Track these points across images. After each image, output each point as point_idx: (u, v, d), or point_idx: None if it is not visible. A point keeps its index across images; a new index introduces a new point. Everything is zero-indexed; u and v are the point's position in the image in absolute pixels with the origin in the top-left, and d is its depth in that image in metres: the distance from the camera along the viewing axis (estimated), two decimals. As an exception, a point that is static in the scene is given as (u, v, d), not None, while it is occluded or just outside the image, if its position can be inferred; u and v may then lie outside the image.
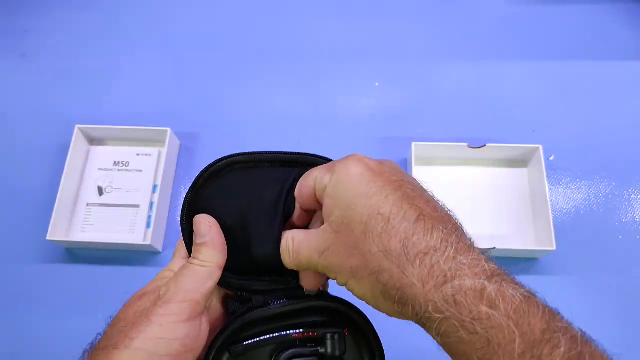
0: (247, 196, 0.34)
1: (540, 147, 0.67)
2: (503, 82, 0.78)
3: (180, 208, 0.71)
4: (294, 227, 0.34)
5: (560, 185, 0.71)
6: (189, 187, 0.34)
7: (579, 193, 0.71)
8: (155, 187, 0.70)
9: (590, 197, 0.70)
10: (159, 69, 0.81)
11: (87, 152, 0.73)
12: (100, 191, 0.70)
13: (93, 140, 0.74)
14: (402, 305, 0.26)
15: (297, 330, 0.34)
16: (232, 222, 0.34)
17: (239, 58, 0.82)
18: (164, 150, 0.69)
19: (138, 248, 0.66)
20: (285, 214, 0.33)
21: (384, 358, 0.35)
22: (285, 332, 0.34)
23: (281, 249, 0.32)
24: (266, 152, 0.34)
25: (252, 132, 0.75)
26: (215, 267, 0.31)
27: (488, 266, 0.25)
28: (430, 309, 0.25)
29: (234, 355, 0.34)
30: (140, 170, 0.71)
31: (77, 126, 0.70)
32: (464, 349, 0.24)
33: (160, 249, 0.67)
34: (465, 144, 0.68)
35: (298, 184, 0.32)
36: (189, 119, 0.76)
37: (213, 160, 0.34)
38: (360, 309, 0.35)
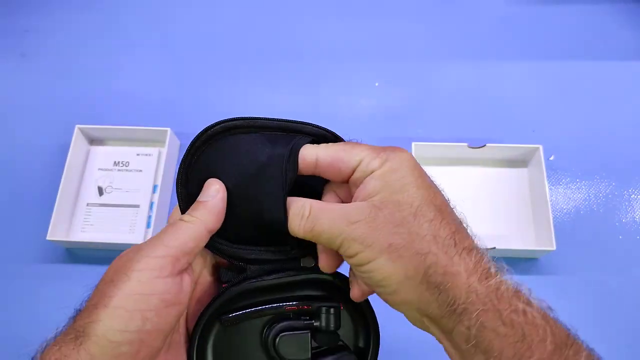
0: (247, 160, 0.32)
1: (540, 147, 0.67)
2: (503, 82, 0.78)
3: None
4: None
5: (560, 185, 0.71)
6: (187, 149, 0.32)
7: (579, 193, 0.71)
8: (155, 187, 0.70)
9: (590, 197, 0.70)
10: (159, 69, 0.81)
11: (87, 152, 0.73)
12: (100, 191, 0.70)
13: (93, 140, 0.74)
14: (439, 292, 0.27)
15: (292, 303, 0.34)
16: (231, 186, 0.32)
17: (239, 58, 0.82)
18: (164, 150, 0.69)
19: (138, 248, 0.66)
20: (289, 180, 0.31)
21: (378, 333, 0.35)
22: (279, 304, 0.33)
23: (292, 213, 0.31)
24: (266, 118, 0.33)
25: (252, 132, 0.75)
26: (203, 228, 0.30)
27: (511, 277, 0.28)
28: (473, 298, 0.25)
29: (225, 325, 0.33)
30: (140, 170, 0.71)
31: (77, 126, 0.70)
32: (499, 342, 0.25)
33: (160, 249, 0.67)
34: (465, 144, 0.68)
35: (330, 161, 0.31)
36: (189, 119, 0.76)
37: (209, 124, 0.32)
38: None
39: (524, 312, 0.25)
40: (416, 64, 0.80)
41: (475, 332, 0.25)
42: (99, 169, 0.72)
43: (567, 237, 0.67)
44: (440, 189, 0.30)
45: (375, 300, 0.33)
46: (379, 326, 0.35)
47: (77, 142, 0.70)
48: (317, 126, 0.34)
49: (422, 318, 0.28)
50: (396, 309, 0.29)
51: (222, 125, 0.32)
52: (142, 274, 0.27)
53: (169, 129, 0.70)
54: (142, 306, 0.26)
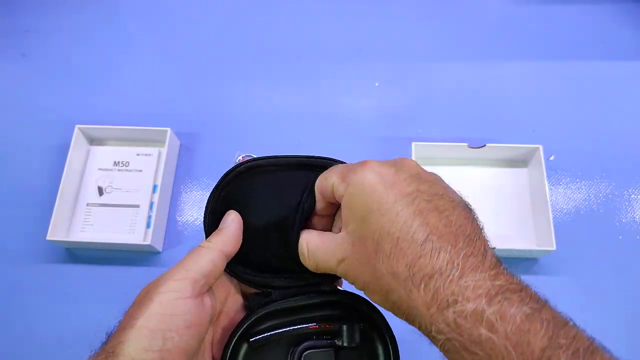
0: (269, 198, 0.35)
1: (540, 147, 0.67)
2: (503, 82, 0.78)
3: (180, 208, 0.71)
4: (311, 226, 0.35)
5: (560, 185, 0.71)
6: (214, 186, 0.35)
7: (579, 193, 0.71)
8: (155, 187, 0.70)
9: (590, 197, 0.70)
10: (159, 69, 0.81)
11: (87, 152, 0.73)
12: (100, 191, 0.70)
13: (93, 140, 0.74)
14: (410, 322, 0.28)
15: (314, 323, 0.35)
16: (256, 222, 0.36)
17: (239, 58, 0.82)
18: (164, 150, 0.69)
19: (138, 248, 0.66)
20: (305, 214, 0.34)
21: (397, 348, 0.36)
22: (303, 325, 0.35)
23: (299, 251, 0.34)
24: (289, 156, 0.36)
25: (252, 132, 0.75)
26: (219, 251, 0.32)
27: (494, 284, 0.25)
28: (433, 331, 0.26)
29: (252, 347, 0.35)
30: (140, 170, 0.71)
31: (77, 126, 0.70)
32: None
33: (160, 249, 0.67)
34: (465, 144, 0.68)
35: (316, 184, 0.33)
36: (189, 119, 0.76)
37: (236, 163, 0.36)
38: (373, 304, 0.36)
39: (487, 339, 0.24)
40: (416, 64, 0.80)
41: (447, 356, 0.26)
42: (99, 169, 0.72)
43: (567, 237, 0.67)
44: (415, 195, 0.28)
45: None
46: (397, 343, 0.36)
47: (77, 142, 0.70)
48: (333, 159, 0.36)
49: None
50: None
51: (248, 164, 0.36)
52: (164, 296, 0.29)
53: (169, 129, 0.70)
54: (164, 326, 0.28)
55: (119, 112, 0.77)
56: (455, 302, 0.25)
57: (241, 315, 0.37)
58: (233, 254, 0.34)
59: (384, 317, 0.36)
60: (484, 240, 0.29)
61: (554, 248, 0.61)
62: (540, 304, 0.26)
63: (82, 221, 0.69)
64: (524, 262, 0.66)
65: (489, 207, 0.69)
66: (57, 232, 0.65)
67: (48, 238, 0.64)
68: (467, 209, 0.31)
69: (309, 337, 0.35)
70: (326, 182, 0.32)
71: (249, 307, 0.37)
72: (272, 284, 0.36)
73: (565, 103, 0.77)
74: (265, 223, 0.35)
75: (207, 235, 0.35)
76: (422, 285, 0.26)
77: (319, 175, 0.35)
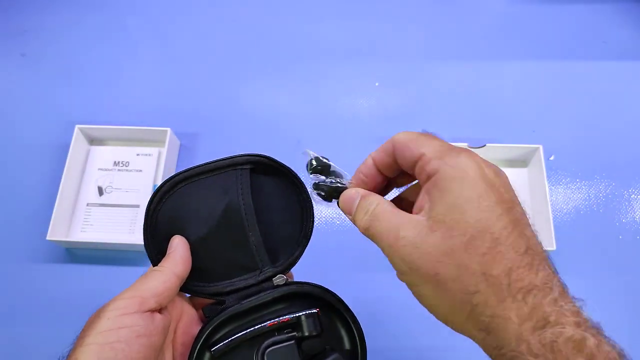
0: (202, 207, 0.37)
1: (540, 147, 0.67)
2: (503, 82, 0.78)
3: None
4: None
5: (560, 185, 0.71)
6: (144, 212, 0.36)
7: (579, 193, 0.71)
8: (155, 187, 0.70)
9: (590, 197, 0.70)
10: (159, 69, 0.81)
11: (87, 152, 0.73)
12: (100, 191, 0.70)
13: (93, 140, 0.74)
14: (486, 333, 0.24)
15: (272, 320, 0.36)
16: (196, 234, 0.37)
17: (239, 58, 0.82)
18: (164, 150, 0.69)
19: (138, 248, 0.66)
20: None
21: (362, 333, 0.36)
22: (261, 324, 0.36)
23: (359, 206, 0.31)
24: (201, 165, 0.37)
25: (252, 132, 0.75)
26: (171, 273, 0.34)
27: (583, 314, 0.25)
28: (523, 349, 0.23)
29: (215, 355, 0.35)
30: (140, 170, 0.71)
31: (77, 126, 0.70)
32: None
33: (160, 249, 0.67)
34: (465, 144, 0.68)
35: (396, 145, 0.30)
36: (189, 119, 0.76)
37: (161, 182, 0.37)
38: (330, 289, 0.37)
39: None
40: (416, 64, 0.80)
41: None
42: (99, 169, 0.72)
43: (567, 237, 0.67)
44: (512, 205, 0.27)
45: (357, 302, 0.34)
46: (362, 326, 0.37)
47: (77, 142, 0.70)
48: (248, 154, 0.37)
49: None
50: None
51: (169, 182, 0.36)
52: (111, 313, 0.30)
53: (169, 129, 0.70)
54: (111, 339, 0.29)
55: (119, 112, 0.77)
56: (555, 323, 0.23)
57: (200, 324, 0.38)
58: (185, 275, 0.35)
59: (341, 299, 0.37)
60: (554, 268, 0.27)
61: (554, 248, 0.61)
62: (624, 352, 0.26)
63: (82, 221, 0.69)
64: (524, 262, 0.66)
65: (489, 207, 0.69)
66: (57, 232, 0.65)
67: (48, 238, 0.64)
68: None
69: (272, 335, 0.36)
70: (415, 147, 0.28)
71: (205, 317, 0.37)
72: (224, 290, 0.37)
73: (565, 103, 0.77)
74: (207, 232, 0.36)
75: (153, 263, 0.36)
76: (520, 296, 0.24)
77: (243, 172, 0.36)
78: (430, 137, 0.30)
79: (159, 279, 0.33)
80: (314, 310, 0.36)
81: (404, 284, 0.28)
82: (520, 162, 0.71)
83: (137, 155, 0.72)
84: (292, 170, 0.39)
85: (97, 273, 0.67)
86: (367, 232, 0.29)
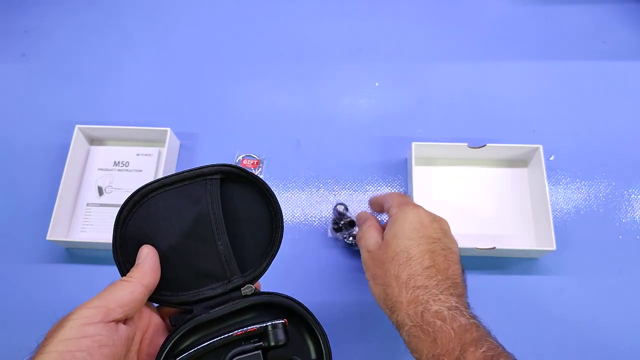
0: (173, 216, 0.37)
1: (540, 147, 0.67)
2: (503, 82, 0.78)
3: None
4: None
5: (560, 185, 0.71)
6: (114, 223, 0.36)
7: (579, 193, 0.71)
8: (155, 187, 0.70)
9: (590, 197, 0.70)
10: (159, 69, 0.81)
11: (87, 152, 0.73)
12: (100, 191, 0.70)
13: (93, 140, 0.74)
14: (391, 312, 0.42)
15: (239, 330, 0.36)
16: (166, 244, 0.37)
17: (239, 58, 0.82)
18: (164, 150, 0.69)
19: (138, 248, 0.66)
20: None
21: (328, 343, 0.37)
22: (227, 334, 0.36)
23: (365, 226, 0.50)
24: (171, 175, 0.38)
25: (252, 132, 0.75)
26: (138, 283, 0.34)
27: (455, 304, 0.39)
28: (405, 319, 0.40)
29: None
30: (140, 170, 0.71)
31: (77, 126, 0.70)
32: (421, 344, 0.38)
33: (160, 249, 0.67)
34: (465, 144, 0.68)
35: (385, 198, 0.53)
36: (189, 119, 0.76)
37: (133, 191, 0.37)
38: (297, 299, 0.37)
39: (440, 326, 0.37)
40: (416, 64, 0.80)
41: (408, 339, 0.40)
42: (99, 169, 0.72)
43: (567, 237, 0.67)
44: (434, 241, 0.44)
45: (326, 309, 0.37)
46: (327, 335, 0.37)
47: (77, 142, 0.70)
48: (218, 164, 0.38)
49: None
50: None
51: (140, 193, 0.36)
52: (74, 322, 0.31)
53: (169, 129, 0.70)
54: (72, 347, 0.29)
55: (119, 112, 0.77)
56: (426, 303, 0.39)
57: (166, 333, 0.37)
58: (154, 286, 0.35)
59: (308, 310, 0.37)
60: (464, 289, 0.43)
61: (554, 248, 0.61)
62: (481, 325, 0.39)
63: (82, 221, 0.69)
64: (524, 262, 0.66)
65: (489, 207, 0.69)
66: (57, 232, 0.65)
67: (48, 238, 0.64)
68: (463, 270, 0.45)
69: (238, 344, 0.36)
70: (390, 200, 0.50)
71: (172, 326, 0.37)
72: (192, 300, 0.37)
73: (565, 103, 0.77)
74: (176, 241, 0.36)
75: (121, 273, 0.37)
76: (411, 291, 0.41)
77: (213, 182, 0.37)
78: (400, 195, 0.52)
79: (126, 289, 0.34)
80: (281, 321, 0.36)
81: (367, 291, 0.47)
82: (520, 162, 0.71)
83: (137, 155, 0.72)
84: (262, 180, 0.39)
85: (97, 273, 0.67)
86: (358, 243, 0.51)
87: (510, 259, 0.66)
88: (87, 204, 0.70)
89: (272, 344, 0.35)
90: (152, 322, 0.38)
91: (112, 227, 0.67)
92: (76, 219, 0.69)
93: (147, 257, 0.36)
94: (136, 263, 0.36)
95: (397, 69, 0.80)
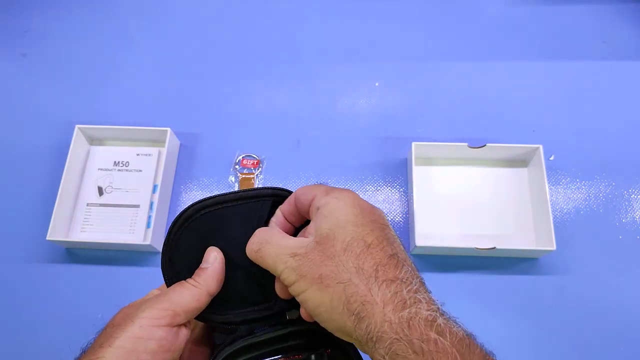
0: (221, 236, 0.37)
1: (540, 147, 0.67)
2: (503, 82, 0.78)
3: (180, 208, 0.71)
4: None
5: (560, 185, 0.71)
6: (165, 235, 0.36)
7: (579, 193, 0.71)
8: (155, 187, 0.70)
9: (590, 197, 0.70)
10: (159, 69, 0.81)
11: (87, 152, 0.73)
12: (100, 191, 0.70)
13: (93, 140, 0.74)
14: (358, 320, 0.29)
15: (281, 355, 0.36)
16: None
17: (239, 58, 0.82)
18: (164, 150, 0.69)
19: (138, 248, 0.66)
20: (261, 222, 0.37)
21: None
22: (270, 358, 0.36)
23: (253, 236, 0.35)
24: (228, 193, 0.37)
25: (252, 132, 0.75)
26: (204, 291, 0.34)
27: (439, 306, 0.29)
28: (385, 328, 0.27)
29: None
30: (140, 170, 0.71)
31: (77, 126, 0.70)
32: None
33: (160, 249, 0.67)
34: (465, 144, 0.68)
35: (296, 195, 0.36)
36: (189, 119, 0.76)
37: (184, 207, 0.36)
38: None
39: (435, 342, 0.27)
40: (416, 64, 0.80)
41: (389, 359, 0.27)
42: (99, 169, 0.72)
43: (567, 237, 0.67)
44: (383, 227, 0.33)
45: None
46: None
47: (77, 142, 0.70)
48: (272, 188, 0.38)
49: (354, 343, 0.31)
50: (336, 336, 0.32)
51: (193, 208, 0.36)
52: (144, 321, 0.31)
53: (169, 129, 0.70)
54: (140, 348, 0.30)
55: (119, 112, 0.77)
56: (411, 305, 0.28)
57: (209, 352, 0.38)
58: (216, 293, 0.35)
59: (350, 342, 0.36)
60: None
61: (554, 248, 0.61)
62: (472, 335, 0.29)
63: (82, 221, 0.69)
64: (524, 262, 0.66)
65: (489, 207, 0.69)
66: (57, 232, 0.65)
67: (48, 238, 0.64)
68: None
69: None
70: (309, 192, 0.35)
71: (215, 345, 0.37)
72: (236, 320, 0.37)
73: (565, 103, 0.77)
74: (225, 260, 0.36)
75: (167, 283, 0.36)
76: (384, 285, 0.29)
77: (265, 204, 0.37)
78: (320, 185, 0.36)
79: (193, 295, 0.33)
80: (324, 350, 0.36)
81: None
82: (520, 162, 0.71)
83: (137, 155, 0.72)
84: None
85: (97, 273, 0.67)
86: (257, 254, 0.34)
87: (510, 259, 0.66)
88: (87, 204, 0.70)
89: None
90: (199, 325, 0.39)
91: (112, 227, 0.68)
92: (76, 219, 0.69)
93: (216, 263, 0.35)
94: (202, 267, 0.35)
95: (397, 69, 0.80)
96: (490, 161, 0.71)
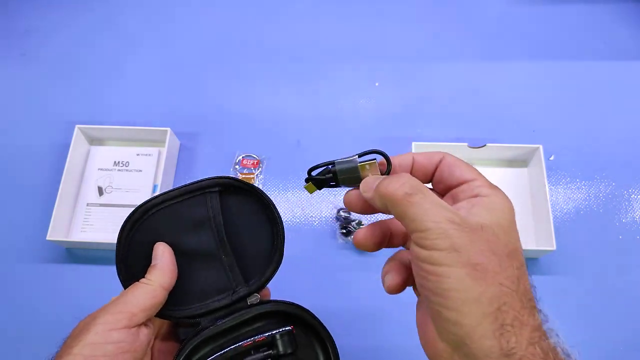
0: (173, 232, 0.37)
1: (540, 147, 0.67)
2: (503, 82, 0.78)
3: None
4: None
5: (560, 185, 0.71)
6: (117, 238, 0.37)
7: (579, 193, 0.71)
8: (155, 187, 0.70)
9: (590, 197, 0.70)
10: (159, 69, 0.81)
11: (87, 152, 0.73)
12: (100, 191, 0.70)
13: (93, 140, 0.74)
14: (502, 331, 0.26)
15: (247, 340, 0.36)
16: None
17: (239, 58, 0.82)
18: (164, 150, 0.69)
19: (138, 248, 0.66)
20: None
21: (335, 347, 0.37)
22: (236, 344, 0.36)
23: (398, 175, 0.31)
24: (172, 189, 0.37)
25: (252, 132, 0.75)
26: (158, 286, 0.34)
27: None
28: (531, 352, 0.25)
29: None
30: (140, 170, 0.71)
31: (77, 126, 0.70)
32: None
33: (160, 249, 0.67)
34: (465, 144, 0.68)
35: (449, 162, 0.34)
36: (189, 119, 0.76)
37: (132, 209, 0.37)
38: (303, 303, 0.38)
39: None
40: (416, 64, 0.80)
41: None
42: (99, 169, 0.72)
43: (567, 237, 0.67)
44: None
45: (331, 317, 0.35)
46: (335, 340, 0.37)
47: (77, 142, 0.70)
48: (216, 177, 0.38)
49: (454, 354, 0.27)
50: (421, 335, 0.29)
51: (140, 210, 0.37)
52: (99, 327, 0.32)
53: (169, 129, 0.70)
54: (98, 352, 0.31)
55: (119, 112, 0.77)
56: (551, 337, 0.27)
57: (174, 348, 0.38)
58: (172, 286, 0.36)
59: (316, 318, 0.37)
60: None
61: (554, 248, 0.61)
62: None
63: (82, 221, 0.69)
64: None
65: (489, 207, 0.69)
66: (57, 232, 0.65)
67: (48, 238, 0.64)
68: None
69: (248, 354, 0.36)
70: (466, 169, 0.33)
71: (180, 340, 0.37)
72: (198, 312, 0.37)
73: (565, 103, 0.77)
74: (179, 256, 0.37)
75: (124, 285, 0.37)
76: (535, 311, 0.27)
77: (212, 194, 0.37)
78: (472, 167, 0.34)
79: (147, 293, 0.34)
80: (288, 328, 0.36)
81: (381, 289, 0.32)
82: (520, 162, 0.71)
83: (137, 155, 0.72)
84: (260, 190, 0.39)
85: (97, 273, 0.67)
86: (406, 199, 0.28)
87: (510, 259, 0.66)
88: (87, 204, 0.70)
89: (281, 352, 0.36)
90: (164, 324, 0.39)
91: (112, 227, 0.68)
92: (76, 219, 0.69)
93: (164, 257, 0.36)
94: (152, 264, 0.36)
95: (397, 69, 0.80)
96: (490, 161, 0.71)
